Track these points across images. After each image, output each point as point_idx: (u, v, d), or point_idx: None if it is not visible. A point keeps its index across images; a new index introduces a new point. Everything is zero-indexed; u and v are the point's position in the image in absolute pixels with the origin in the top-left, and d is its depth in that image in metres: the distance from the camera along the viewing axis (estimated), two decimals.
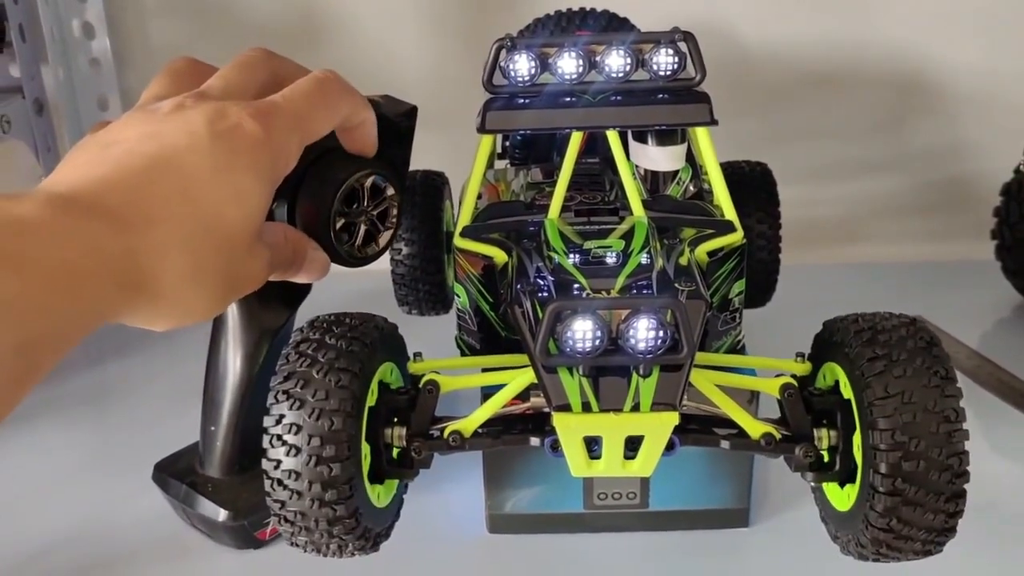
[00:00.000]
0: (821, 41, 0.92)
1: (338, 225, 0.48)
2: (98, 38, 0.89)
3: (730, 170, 0.70)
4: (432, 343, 0.55)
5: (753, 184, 0.71)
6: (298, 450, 0.43)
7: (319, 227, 0.47)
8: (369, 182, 0.49)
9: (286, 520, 0.45)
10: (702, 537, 0.57)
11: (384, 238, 0.51)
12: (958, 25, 0.91)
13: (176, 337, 0.83)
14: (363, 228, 0.50)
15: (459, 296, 0.56)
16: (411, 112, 0.54)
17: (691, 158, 0.60)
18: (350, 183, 0.48)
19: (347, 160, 0.48)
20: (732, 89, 0.91)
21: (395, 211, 0.51)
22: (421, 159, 0.82)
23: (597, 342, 0.42)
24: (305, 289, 0.56)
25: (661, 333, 0.42)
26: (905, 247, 0.97)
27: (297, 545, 0.47)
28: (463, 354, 0.56)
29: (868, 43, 0.92)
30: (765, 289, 0.72)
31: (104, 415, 0.76)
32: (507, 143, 0.70)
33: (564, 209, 0.54)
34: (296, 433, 0.43)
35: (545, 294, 0.45)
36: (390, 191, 0.50)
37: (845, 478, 0.46)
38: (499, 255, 0.52)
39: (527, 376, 0.45)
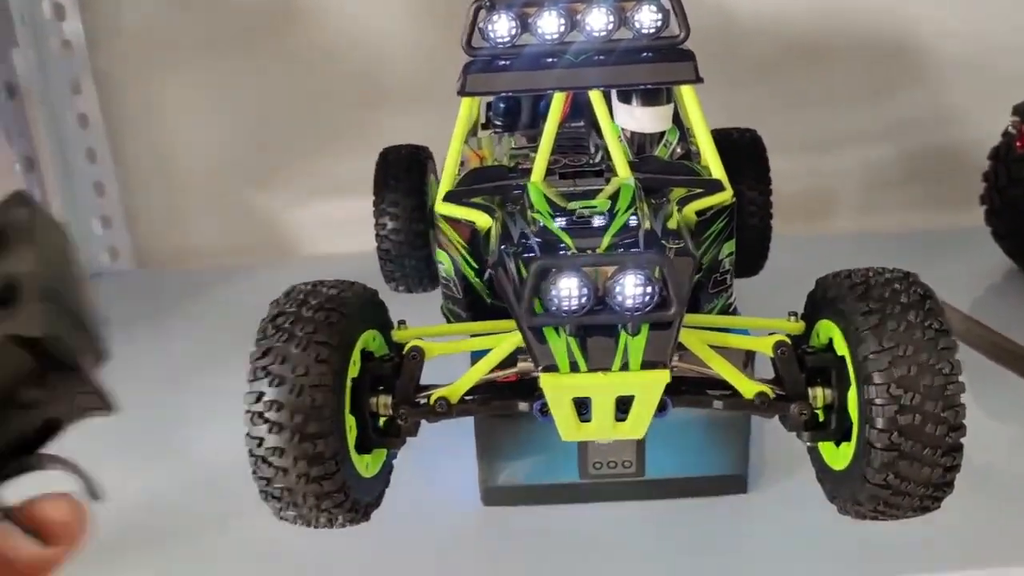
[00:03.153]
0: (810, 10, 0.91)
1: None
2: (69, 19, 0.87)
3: (720, 137, 0.69)
4: (422, 321, 0.53)
5: (743, 151, 0.70)
6: (281, 427, 0.42)
7: None
8: None
9: (273, 496, 0.44)
10: (700, 504, 0.56)
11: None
12: None
13: (158, 322, 0.83)
14: None
15: (442, 263, 0.55)
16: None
17: (679, 121, 0.59)
18: None
19: None
20: (722, 60, 0.89)
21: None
22: (405, 133, 0.81)
23: (583, 300, 0.41)
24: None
25: (649, 289, 0.41)
26: (896, 216, 0.97)
27: (285, 519, 0.46)
28: (449, 323, 0.55)
29: (856, 12, 0.91)
30: (757, 256, 0.71)
31: None
32: (490, 112, 0.68)
33: (548, 173, 0.53)
34: (278, 411, 0.42)
35: (530, 254, 0.44)
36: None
37: (840, 436, 0.45)
38: (482, 219, 0.51)
39: (514, 340, 0.44)
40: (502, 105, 0.66)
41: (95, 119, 0.90)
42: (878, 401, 0.41)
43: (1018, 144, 0.79)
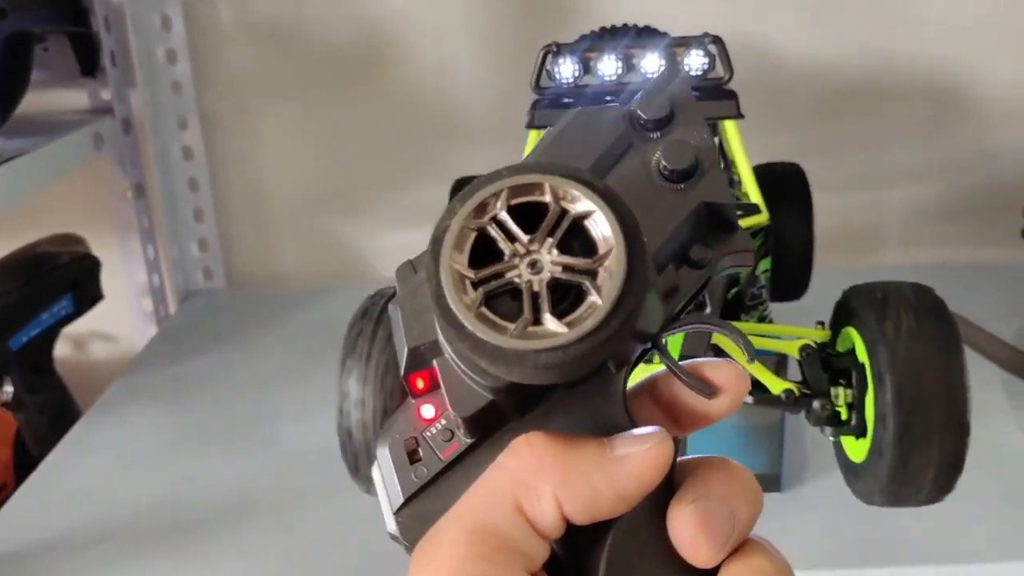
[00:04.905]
0: (857, 55, 0.96)
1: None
2: (180, 63, 0.97)
3: (765, 171, 0.75)
4: None
5: (786, 183, 0.75)
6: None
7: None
8: None
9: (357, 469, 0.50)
10: None
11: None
12: (988, 37, 0.95)
13: (247, 337, 0.90)
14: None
15: None
16: None
17: (723, 153, 0.65)
18: None
19: None
20: (772, 101, 0.96)
21: None
22: (477, 165, 0.88)
23: None
24: None
25: None
26: (942, 250, 1.01)
27: (370, 493, 0.52)
28: None
29: (902, 55, 0.96)
30: (800, 282, 0.76)
31: (181, 404, 0.82)
32: None
33: None
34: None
35: None
36: None
37: (860, 432, 0.50)
38: None
39: None
40: None
41: (198, 152, 0.99)
42: (890, 400, 0.46)
43: None
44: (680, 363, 0.26)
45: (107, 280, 0.92)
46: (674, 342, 0.48)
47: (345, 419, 0.50)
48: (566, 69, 0.60)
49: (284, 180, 1.02)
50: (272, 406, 0.79)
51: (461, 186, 0.80)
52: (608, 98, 0.60)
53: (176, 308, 1.00)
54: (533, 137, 0.63)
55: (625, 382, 0.26)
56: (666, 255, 0.26)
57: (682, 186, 0.26)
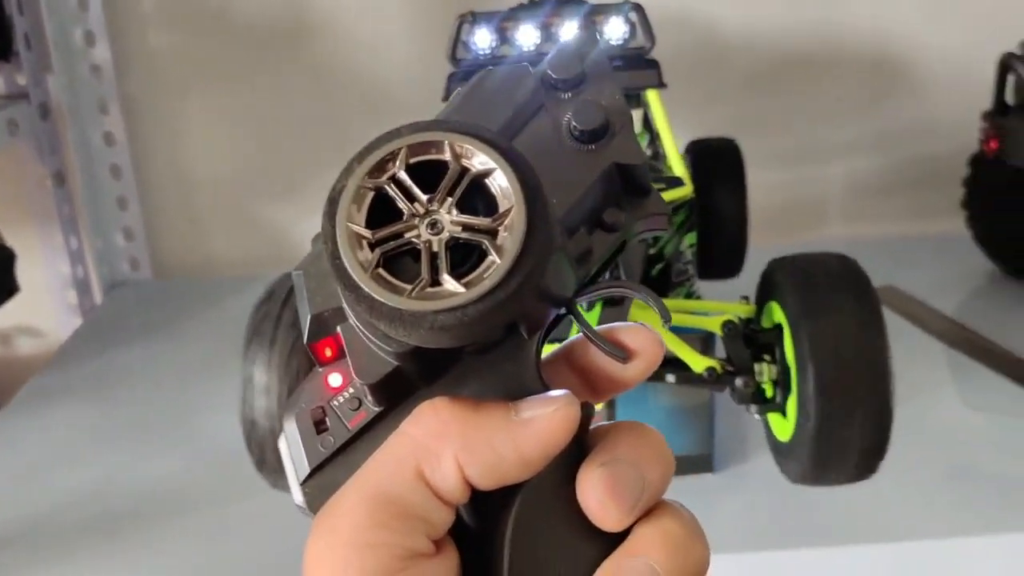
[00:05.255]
0: (794, 27, 0.95)
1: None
2: (99, 46, 0.93)
3: (698, 146, 0.73)
4: None
5: (720, 159, 0.74)
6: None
7: None
8: None
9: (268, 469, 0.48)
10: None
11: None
12: (927, 9, 0.94)
13: (175, 327, 0.87)
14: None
15: None
16: None
17: (649, 126, 0.63)
18: None
19: None
20: (708, 76, 0.94)
21: None
22: None
23: None
24: None
25: None
26: (879, 225, 1.00)
27: (279, 488, 0.50)
28: None
29: (840, 28, 0.95)
30: (735, 260, 0.74)
31: (105, 397, 0.79)
32: None
33: None
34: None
35: None
36: None
37: (784, 409, 0.48)
38: None
39: None
40: None
41: (120, 138, 0.96)
42: (811, 373, 0.44)
43: (987, 148, 0.82)
44: (595, 328, 0.26)
45: (29, 272, 0.88)
46: (591, 318, 0.46)
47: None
48: (482, 39, 0.58)
49: (211, 165, 0.98)
50: (201, 397, 0.76)
51: None
52: None
53: (102, 300, 0.97)
54: None
55: (539, 348, 0.25)
56: (577, 218, 0.25)
57: (593, 147, 0.25)
